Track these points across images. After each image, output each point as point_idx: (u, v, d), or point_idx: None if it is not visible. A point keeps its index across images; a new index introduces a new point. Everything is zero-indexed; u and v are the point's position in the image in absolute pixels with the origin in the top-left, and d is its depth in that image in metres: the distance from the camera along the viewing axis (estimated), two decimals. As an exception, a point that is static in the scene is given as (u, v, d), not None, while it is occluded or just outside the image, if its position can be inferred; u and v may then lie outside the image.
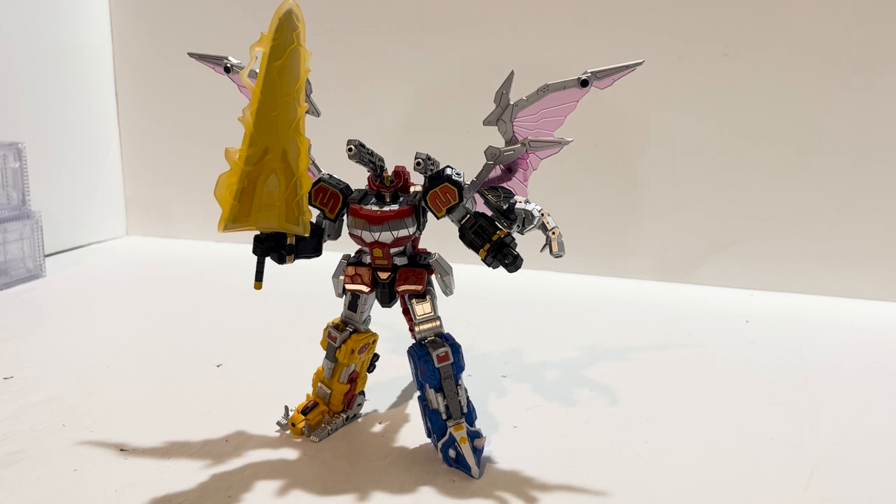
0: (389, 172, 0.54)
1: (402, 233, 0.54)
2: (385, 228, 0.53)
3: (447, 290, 0.56)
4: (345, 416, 0.60)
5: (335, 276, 0.57)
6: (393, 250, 0.54)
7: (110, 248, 1.32)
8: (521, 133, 0.53)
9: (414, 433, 0.59)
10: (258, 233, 0.53)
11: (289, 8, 0.46)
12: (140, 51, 1.34)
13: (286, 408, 0.60)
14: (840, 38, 0.97)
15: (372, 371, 0.62)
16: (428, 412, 0.54)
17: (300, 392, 0.63)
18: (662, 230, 1.09)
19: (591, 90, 0.50)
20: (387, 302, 0.56)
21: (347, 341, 0.57)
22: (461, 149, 0.78)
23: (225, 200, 0.48)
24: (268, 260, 0.54)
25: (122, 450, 0.56)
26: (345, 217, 0.56)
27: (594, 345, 0.81)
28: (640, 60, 0.50)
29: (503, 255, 0.52)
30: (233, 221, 0.48)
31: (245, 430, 0.59)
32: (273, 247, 0.53)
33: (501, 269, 0.53)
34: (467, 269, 0.75)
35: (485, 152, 0.53)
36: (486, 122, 0.52)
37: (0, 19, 1.14)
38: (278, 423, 0.59)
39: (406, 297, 0.55)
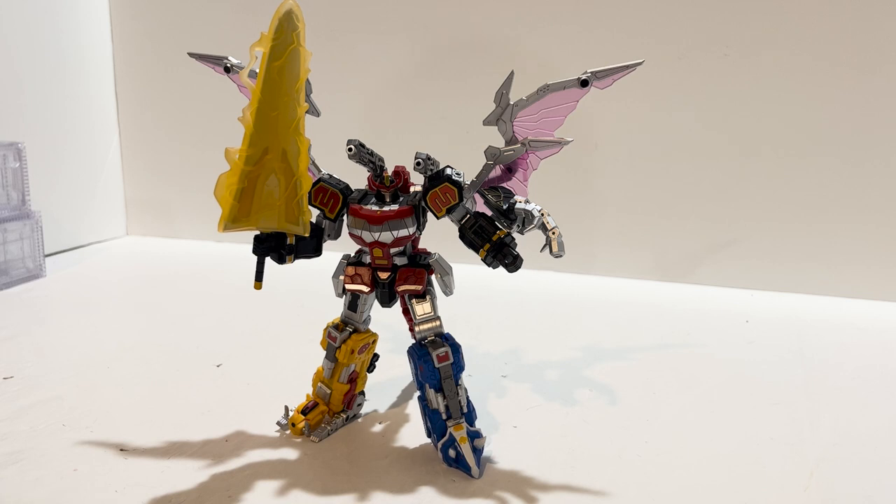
0: (389, 172, 0.54)
1: (402, 233, 0.54)
2: (385, 228, 0.53)
3: (447, 290, 0.56)
4: (345, 416, 0.60)
5: (335, 276, 0.57)
6: (393, 250, 0.54)
7: (110, 248, 1.32)
8: (521, 133, 0.53)
9: (414, 433, 0.59)
10: (258, 233, 0.53)
11: (289, 8, 0.46)
12: (140, 51, 1.34)
13: (286, 408, 0.60)
14: (840, 38, 0.97)
15: (372, 371, 0.62)
16: (428, 412, 0.54)
17: (300, 392, 0.63)
18: (662, 230, 1.09)
19: (591, 90, 0.50)
20: (387, 302, 0.56)
21: (347, 341, 0.57)
22: (461, 149, 0.78)
23: (225, 200, 0.48)
24: (268, 260, 0.54)
25: (122, 450, 0.56)
26: (345, 217, 0.56)
27: (594, 345, 0.81)
28: (640, 60, 0.50)
29: (503, 255, 0.52)
30: (233, 221, 0.48)
31: (245, 430, 0.59)
32: (273, 247, 0.53)
33: (501, 269, 0.53)
34: (467, 269, 0.75)
35: (485, 152, 0.53)
36: (486, 122, 0.52)
37: (0, 19, 1.14)
38: (278, 423, 0.59)
39: (406, 297, 0.55)
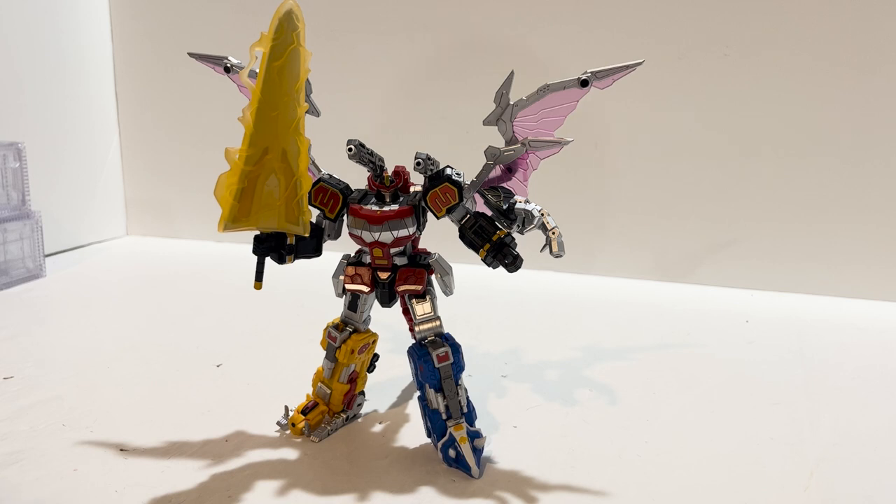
0: (389, 172, 0.54)
1: (402, 233, 0.54)
2: (385, 228, 0.53)
3: (447, 290, 0.56)
4: (345, 416, 0.60)
5: (335, 276, 0.57)
6: (393, 250, 0.54)
7: (110, 248, 1.32)
8: (521, 133, 0.53)
9: (414, 433, 0.59)
10: (258, 233, 0.53)
11: (289, 8, 0.46)
12: (140, 51, 1.34)
13: (286, 408, 0.60)
14: (840, 38, 0.97)
15: (372, 371, 0.62)
16: (428, 412, 0.54)
17: (300, 392, 0.63)
18: (662, 230, 1.09)
19: (591, 90, 0.50)
20: (387, 302, 0.56)
21: (347, 341, 0.57)
22: (461, 149, 0.78)
23: (225, 200, 0.48)
24: (268, 260, 0.54)
25: (122, 450, 0.56)
26: (345, 217, 0.56)
27: (594, 345, 0.81)
28: (640, 60, 0.50)
29: (503, 255, 0.52)
30: (233, 221, 0.48)
31: (245, 430, 0.59)
32: (273, 247, 0.53)
33: (501, 269, 0.53)
34: (467, 269, 0.75)
35: (485, 152, 0.53)
36: (486, 122, 0.53)
37: (0, 19, 1.14)
38: (278, 423, 0.59)
39: (406, 297, 0.55)
